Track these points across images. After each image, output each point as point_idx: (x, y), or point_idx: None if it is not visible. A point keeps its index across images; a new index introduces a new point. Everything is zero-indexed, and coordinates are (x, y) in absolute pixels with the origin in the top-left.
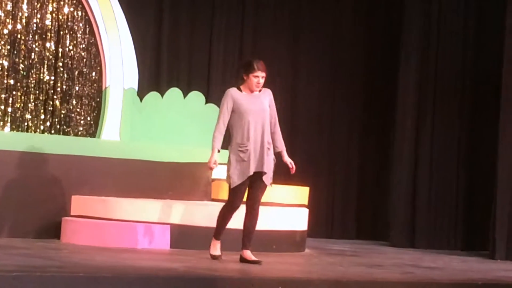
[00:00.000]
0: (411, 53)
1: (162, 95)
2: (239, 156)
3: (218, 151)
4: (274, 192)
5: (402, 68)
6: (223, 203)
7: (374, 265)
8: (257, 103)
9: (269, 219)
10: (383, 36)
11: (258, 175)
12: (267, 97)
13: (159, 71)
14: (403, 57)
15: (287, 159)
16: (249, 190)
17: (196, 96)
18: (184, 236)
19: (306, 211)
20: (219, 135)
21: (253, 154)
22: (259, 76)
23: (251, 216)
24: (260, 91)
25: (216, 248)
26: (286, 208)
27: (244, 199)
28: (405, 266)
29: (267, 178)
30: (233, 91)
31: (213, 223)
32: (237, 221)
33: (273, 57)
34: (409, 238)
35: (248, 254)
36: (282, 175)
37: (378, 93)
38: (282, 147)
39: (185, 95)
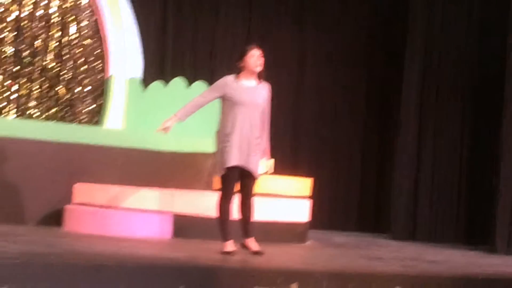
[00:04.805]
0: (415, 51)
1: (166, 84)
2: (224, 146)
3: (180, 120)
4: (276, 183)
5: (407, 63)
6: None
7: (375, 258)
8: (252, 96)
9: (271, 210)
10: (388, 30)
11: (245, 168)
12: (264, 91)
13: (163, 60)
14: (408, 54)
15: (266, 158)
16: (240, 181)
17: (201, 86)
18: (186, 226)
19: (308, 203)
20: (188, 105)
21: (237, 146)
22: (255, 54)
23: (246, 208)
24: (261, 78)
25: (228, 246)
26: (288, 200)
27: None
28: (406, 260)
29: (255, 172)
30: (229, 78)
31: (215, 213)
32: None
33: (278, 46)
34: (410, 231)
35: (251, 243)
36: (285, 167)
37: (382, 85)
38: (265, 144)
39: (189, 84)
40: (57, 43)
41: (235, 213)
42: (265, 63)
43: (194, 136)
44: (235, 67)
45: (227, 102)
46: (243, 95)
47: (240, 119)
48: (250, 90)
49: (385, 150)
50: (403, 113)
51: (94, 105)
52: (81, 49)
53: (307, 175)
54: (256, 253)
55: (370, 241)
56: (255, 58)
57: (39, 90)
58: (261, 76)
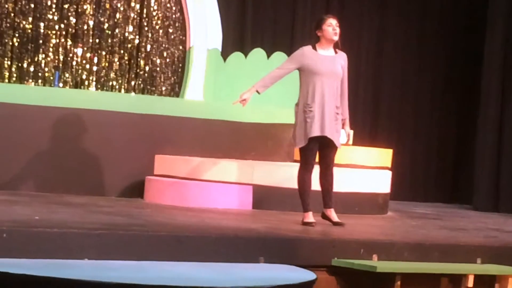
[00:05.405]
0: (498, 17)
1: (245, 55)
2: (304, 117)
3: (258, 93)
4: (357, 154)
5: (489, 31)
6: None
7: (457, 229)
8: (329, 65)
9: (352, 181)
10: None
11: (326, 138)
12: (341, 60)
13: (243, 32)
14: (489, 21)
15: (347, 128)
16: (320, 152)
17: (280, 57)
18: (266, 197)
19: (389, 174)
20: (266, 77)
21: (318, 116)
22: (332, 24)
23: (327, 177)
24: (338, 47)
25: (308, 217)
26: (369, 170)
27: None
28: (488, 230)
29: (337, 142)
30: (306, 48)
31: (295, 184)
32: (315, 182)
33: (360, 18)
34: (493, 202)
35: (331, 214)
36: (365, 137)
37: (463, 56)
38: (345, 115)
39: (268, 55)
40: (137, 15)
41: (315, 184)
42: (344, 33)
43: (274, 107)
44: (313, 37)
45: (305, 73)
46: (321, 64)
47: (319, 89)
48: (328, 59)
49: (466, 121)
50: (484, 82)
51: (174, 77)
52: (161, 20)
53: (386, 146)
54: (337, 224)
55: (452, 212)
56: (332, 27)
57: (119, 62)
58: (338, 45)
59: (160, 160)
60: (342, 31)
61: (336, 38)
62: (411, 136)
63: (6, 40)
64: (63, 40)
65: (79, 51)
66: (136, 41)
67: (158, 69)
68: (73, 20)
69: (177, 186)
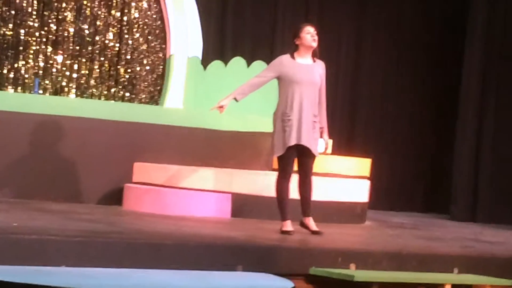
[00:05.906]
0: (477, 20)
1: (226, 64)
2: (282, 126)
3: (236, 100)
4: (336, 163)
5: (468, 39)
6: None
7: (434, 238)
8: (307, 74)
9: (330, 190)
10: (449, 7)
11: (304, 146)
12: (320, 69)
13: (223, 40)
14: (469, 25)
15: (325, 137)
16: (298, 160)
17: (260, 66)
18: (245, 205)
19: (367, 183)
20: (244, 85)
21: (296, 125)
22: (310, 31)
23: (305, 186)
24: (316, 56)
25: (287, 225)
26: (347, 180)
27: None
28: (465, 240)
29: (314, 150)
30: (284, 57)
31: (274, 193)
32: (293, 190)
33: (338, 25)
34: (470, 212)
35: (310, 222)
36: (344, 147)
37: (442, 65)
38: (323, 123)
39: (248, 64)
40: (118, 23)
41: (293, 192)
42: (323, 42)
43: (254, 116)
44: (291, 46)
45: (283, 82)
46: (299, 73)
47: (297, 98)
48: (306, 68)
49: (444, 131)
50: (463, 90)
51: (154, 85)
52: (142, 28)
53: (364, 155)
54: (315, 232)
55: (429, 222)
56: (310, 34)
57: (99, 69)
58: (317, 54)
59: (139, 167)
60: (320, 40)
61: (314, 44)
62: (389, 145)
63: None
64: (43, 46)
65: (59, 58)
66: (116, 49)
67: (138, 76)
68: (53, 27)
69: (156, 194)
